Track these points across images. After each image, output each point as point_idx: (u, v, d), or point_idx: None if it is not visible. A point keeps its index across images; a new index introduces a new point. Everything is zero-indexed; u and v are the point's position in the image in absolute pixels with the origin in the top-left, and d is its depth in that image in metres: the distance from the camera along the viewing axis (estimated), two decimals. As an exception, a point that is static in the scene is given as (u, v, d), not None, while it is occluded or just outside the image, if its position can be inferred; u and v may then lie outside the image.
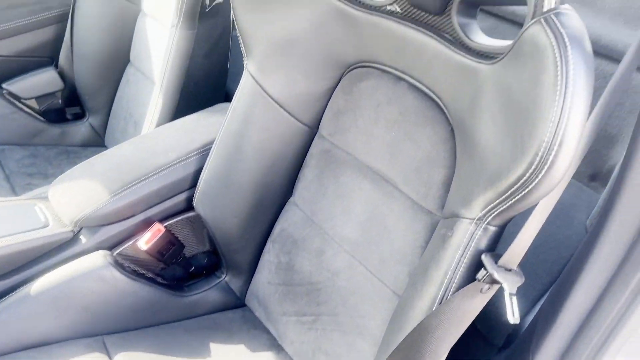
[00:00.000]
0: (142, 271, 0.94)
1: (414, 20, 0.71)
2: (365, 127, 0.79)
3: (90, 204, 0.88)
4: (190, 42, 1.19)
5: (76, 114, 1.68)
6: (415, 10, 0.71)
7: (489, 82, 0.60)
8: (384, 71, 0.77)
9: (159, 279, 0.96)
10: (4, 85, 1.59)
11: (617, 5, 1.16)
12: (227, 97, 1.46)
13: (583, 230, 0.94)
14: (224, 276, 1.00)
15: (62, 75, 1.66)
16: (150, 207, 0.93)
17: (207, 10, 1.20)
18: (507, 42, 0.62)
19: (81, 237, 0.89)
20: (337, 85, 0.83)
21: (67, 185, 0.92)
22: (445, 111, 0.69)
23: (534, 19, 0.54)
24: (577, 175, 1.24)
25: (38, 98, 1.64)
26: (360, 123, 0.80)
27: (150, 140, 1.02)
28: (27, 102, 1.61)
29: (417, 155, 0.72)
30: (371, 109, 0.79)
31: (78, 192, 0.90)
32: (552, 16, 0.52)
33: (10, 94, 1.59)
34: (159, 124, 1.26)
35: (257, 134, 0.87)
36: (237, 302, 1.00)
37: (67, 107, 1.68)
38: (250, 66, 0.87)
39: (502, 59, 0.59)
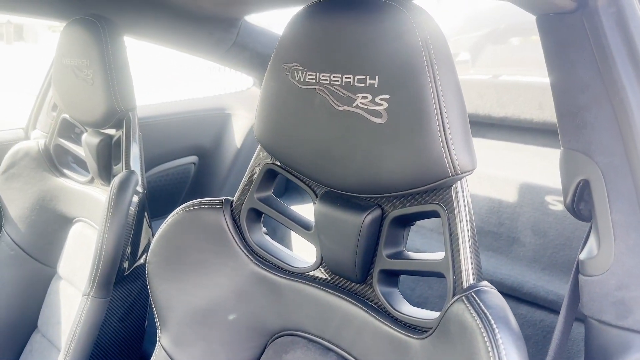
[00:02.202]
0: None
1: (338, 288, 0.69)
2: None
3: None
4: (102, 311, 1.12)
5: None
6: (338, 277, 0.70)
7: (422, 357, 0.56)
8: (310, 340, 0.72)
9: None
10: None
11: (530, 254, 1.22)
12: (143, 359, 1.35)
13: None
14: None
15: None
16: None
17: (125, 274, 1.15)
18: (432, 314, 0.60)
19: None
20: (260, 355, 0.76)
21: None
22: None
23: (456, 297, 0.54)
24: None
25: None
26: None
27: None
28: None
29: None
30: None
31: None
32: (474, 295, 0.52)
33: None
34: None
35: None
36: None
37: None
38: (163, 339, 0.80)
39: (430, 334, 0.57)
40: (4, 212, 1.41)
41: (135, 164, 1.18)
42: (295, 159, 0.66)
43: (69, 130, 1.37)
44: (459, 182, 0.57)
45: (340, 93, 0.58)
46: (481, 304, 0.51)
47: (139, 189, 1.14)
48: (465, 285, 0.55)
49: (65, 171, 1.36)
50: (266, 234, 0.81)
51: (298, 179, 0.71)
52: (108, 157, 1.22)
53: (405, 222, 0.65)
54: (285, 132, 0.65)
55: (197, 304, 0.78)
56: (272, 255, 0.76)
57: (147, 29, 1.41)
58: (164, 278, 0.80)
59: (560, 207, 1.21)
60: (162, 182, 1.77)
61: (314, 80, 0.60)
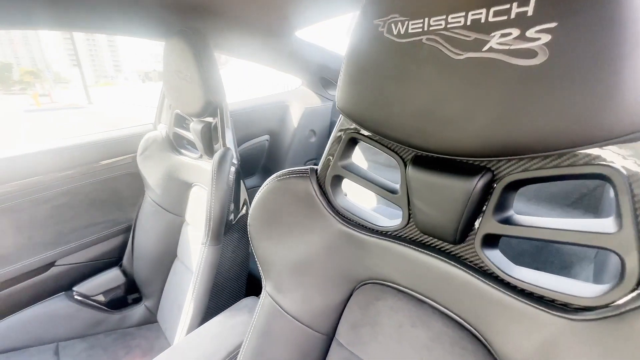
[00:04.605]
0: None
1: (428, 247, 0.61)
2: (387, 344, 0.68)
3: None
4: (217, 255, 1.26)
5: (135, 298, 1.79)
6: (428, 238, 0.62)
7: (573, 342, 0.45)
8: (401, 291, 0.67)
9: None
10: (75, 289, 1.67)
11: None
12: (250, 283, 1.70)
13: None
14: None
15: (124, 272, 1.79)
16: None
17: (232, 224, 1.33)
18: (579, 285, 0.48)
19: None
20: (350, 297, 0.75)
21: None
22: (489, 347, 0.55)
23: None
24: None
25: (104, 292, 1.74)
26: (381, 339, 0.69)
27: (178, 355, 1.01)
28: (95, 297, 1.71)
29: None
30: (392, 328, 0.67)
31: None
32: None
33: (80, 294, 1.67)
34: (195, 309, 1.31)
35: (276, 349, 0.82)
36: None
37: (128, 295, 1.79)
38: (268, 287, 0.84)
39: (591, 320, 0.45)
40: (145, 182, 1.68)
41: (230, 142, 1.30)
42: (388, 124, 0.54)
43: (182, 121, 1.56)
44: None
45: (462, 37, 0.44)
46: None
47: (234, 161, 1.27)
48: None
49: (182, 151, 1.56)
50: (346, 195, 0.78)
51: (384, 145, 0.62)
52: (210, 138, 1.36)
53: (524, 184, 0.51)
54: (375, 96, 0.54)
55: (293, 258, 0.78)
56: (356, 216, 0.73)
57: (224, 41, 1.56)
58: (263, 237, 0.81)
59: None
60: (248, 154, 2.05)
61: (420, 30, 0.47)
